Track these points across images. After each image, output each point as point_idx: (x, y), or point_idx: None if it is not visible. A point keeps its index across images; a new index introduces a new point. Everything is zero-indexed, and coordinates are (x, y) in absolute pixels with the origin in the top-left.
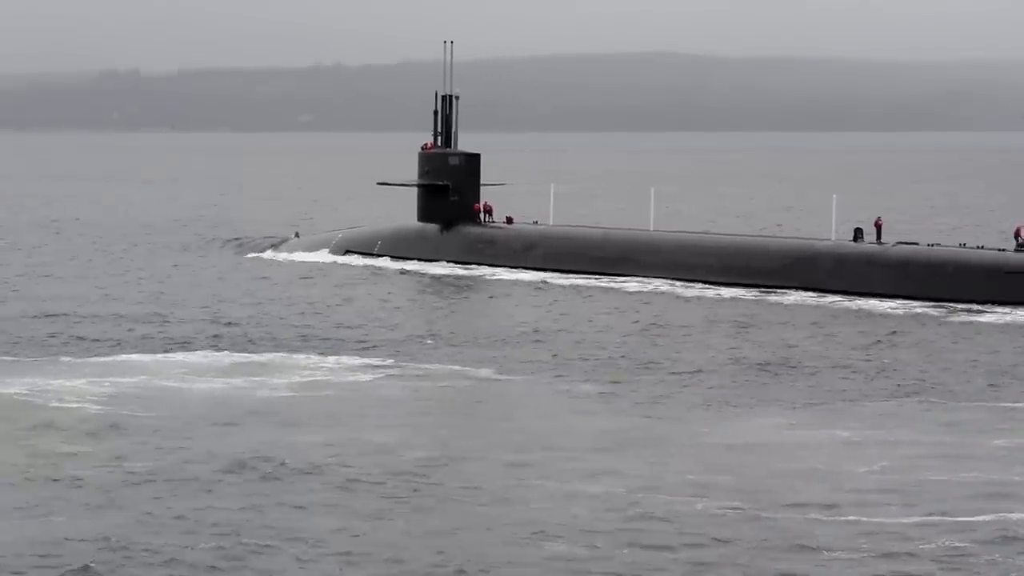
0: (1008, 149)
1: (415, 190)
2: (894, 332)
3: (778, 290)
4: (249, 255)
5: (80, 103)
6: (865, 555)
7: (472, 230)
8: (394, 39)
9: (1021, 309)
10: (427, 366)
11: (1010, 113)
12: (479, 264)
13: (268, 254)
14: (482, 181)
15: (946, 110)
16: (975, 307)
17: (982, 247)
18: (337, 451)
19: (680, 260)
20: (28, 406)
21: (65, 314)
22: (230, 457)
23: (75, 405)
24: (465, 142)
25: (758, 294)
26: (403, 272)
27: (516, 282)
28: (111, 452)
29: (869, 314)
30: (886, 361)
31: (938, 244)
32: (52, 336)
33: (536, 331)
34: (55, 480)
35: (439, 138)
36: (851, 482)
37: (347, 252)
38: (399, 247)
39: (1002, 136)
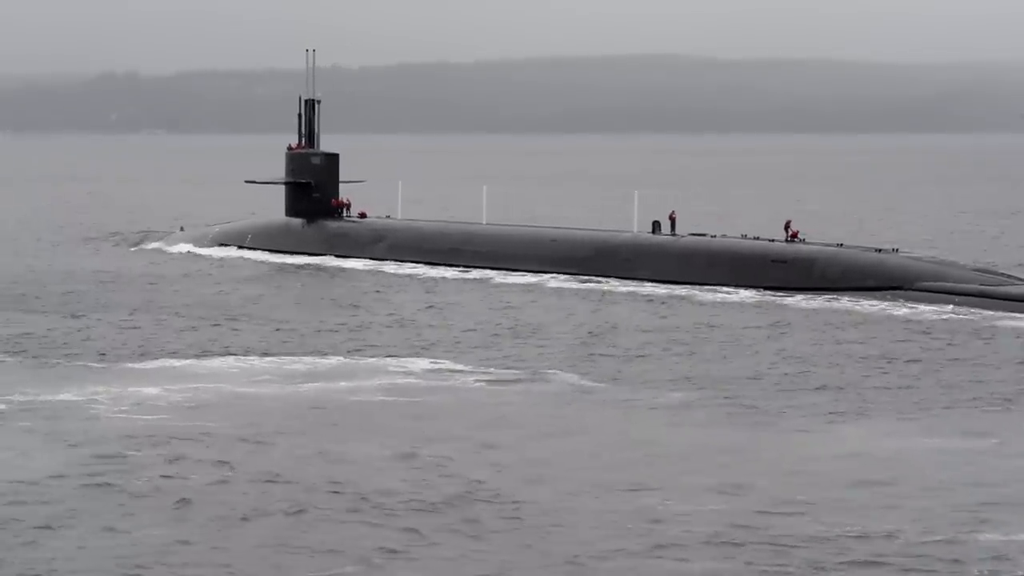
0: (996, 150)
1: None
2: (971, 337)
3: (592, 277)
4: (137, 248)
5: (78, 105)
6: None
7: (330, 224)
8: (392, 41)
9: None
10: (499, 371)
11: (1011, 114)
12: (335, 255)
13: (153, 246)
14: (341, 179)
15: (946, 111)
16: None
17: (757, 238)
18: (417, 465)
19: (502, 251)
20: (94, 413)
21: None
22: (302, 476)
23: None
24: (470, 143)
25: (767, 297)
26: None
27: (526, 285)
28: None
29: (921, 319)
30: (973, 365)
31: (724, 235)
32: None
33: (590, 335)
34: (131, 491)
35: (303, 139)
36: (985, 497)
37: (221, 244)
38: (268, 240)
39: (1002, 137)
